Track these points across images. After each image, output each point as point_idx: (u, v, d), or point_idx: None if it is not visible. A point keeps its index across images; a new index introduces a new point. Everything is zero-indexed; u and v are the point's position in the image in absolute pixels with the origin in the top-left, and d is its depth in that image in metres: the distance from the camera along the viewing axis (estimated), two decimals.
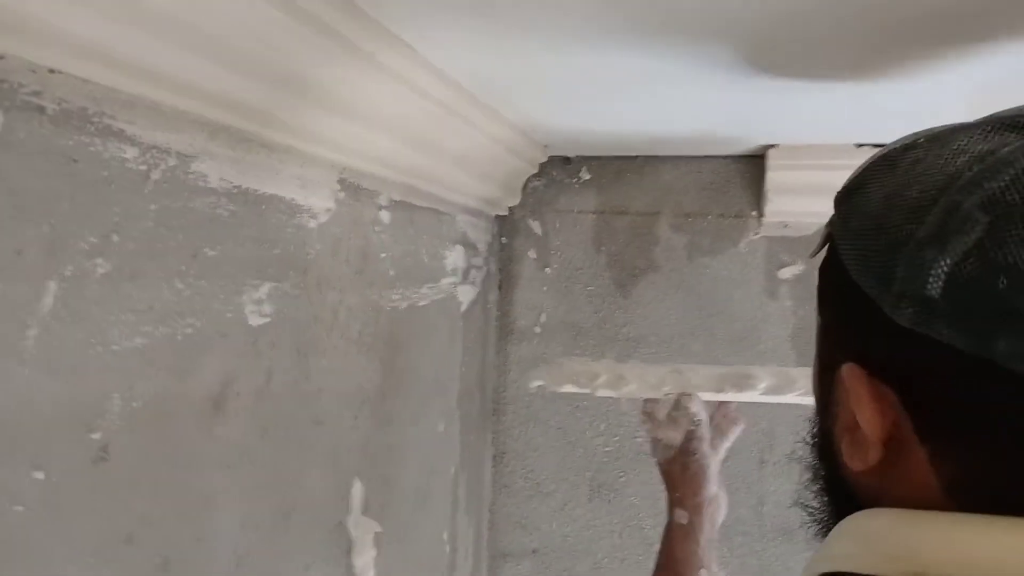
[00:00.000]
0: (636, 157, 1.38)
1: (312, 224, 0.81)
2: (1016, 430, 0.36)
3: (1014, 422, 0.36)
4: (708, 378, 0.97)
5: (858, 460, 0.43)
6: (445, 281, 1.18)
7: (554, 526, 1.40)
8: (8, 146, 0.48)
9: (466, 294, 1.27)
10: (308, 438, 0.83)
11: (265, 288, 0.74)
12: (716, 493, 0.92)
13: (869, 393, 0.41)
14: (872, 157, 0.46)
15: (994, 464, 0.37)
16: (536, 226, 1.43)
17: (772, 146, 1.24)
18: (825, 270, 0.48)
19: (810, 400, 0.52)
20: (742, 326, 1.33)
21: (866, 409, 0.41)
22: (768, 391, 0.96)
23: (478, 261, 1.32)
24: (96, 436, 0.55)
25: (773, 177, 1.26)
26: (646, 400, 0.97)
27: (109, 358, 0.56)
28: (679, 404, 0.94)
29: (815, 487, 0.50)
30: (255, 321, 0.73)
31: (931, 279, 0.36)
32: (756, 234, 1.34)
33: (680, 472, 0.93)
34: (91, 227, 0.54)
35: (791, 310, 1.32)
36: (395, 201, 1.00)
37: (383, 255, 0.98)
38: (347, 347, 0.90)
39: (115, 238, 0.56)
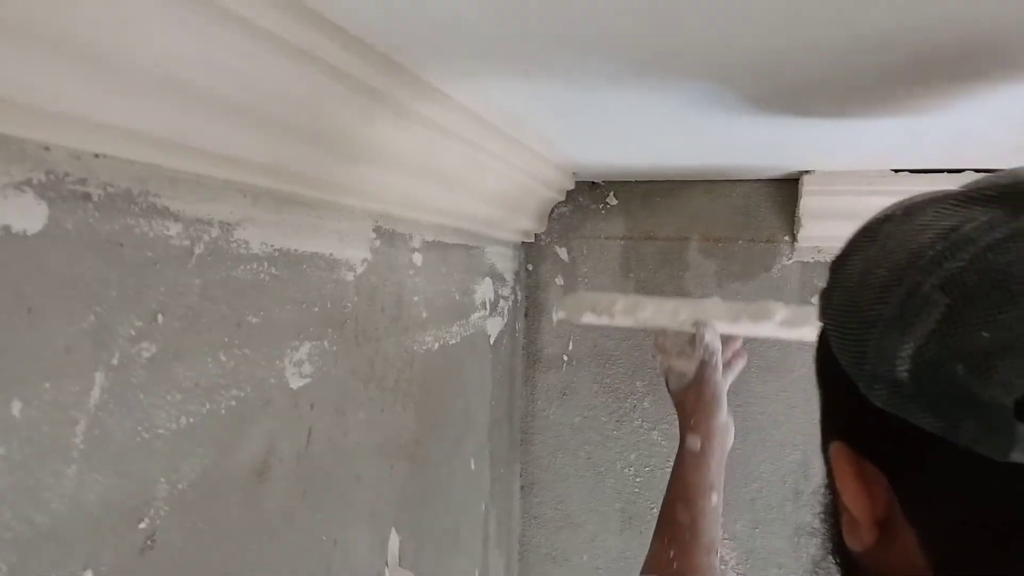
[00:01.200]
0: (664, 181, 1.36)
1: (350, 277, 0.80)
2: (999, 515, 0.35)
3: (996, 506, 0.35)
4: (724, 309, 0.99)
5: (855, 540, 0.42)
6: (475, 316, 1.16)
7: (585, 558, 1.38)
8: (55, 239, 0.46)
9: (494, 326, 1.25)
10: (347, 495, 0.81)
11: (305, 348, 0.72)
12: (727, 420, 0.96)
13: (854, 473, 0.41)
14: (858, 228, 0.46)
15: (979, 550, 0.36)
16: (563, 253, 1.40)
17: (807, 172, 1.21)
18: (817, 344, 0.48)
19: None
20: (775, 353, 1.31)
21: (849, 489, 0.41)
22: (784, 324, 0.97)
23: (506, 291, 1.30)
24: (143, 525, 0.54)
25: (808, 203, 1.23)
26: (657, 334, 1.02)
27: (156, 443, 0.54)
28: (695, 334, 0.98)
29: (832, 559, 0.49)
30: (296, 383, 0.71)
31: (898, 361, 0.36)
32: (789, 259, 1.31)
33: (695, 400, 0.96)
34: (137, 311, 0.52)
35: None
36: (427, 242, 0.98)
37: (416, 298, 0.96)
38: (383, 397, 0.88)
39: (160, 319, 0.54)
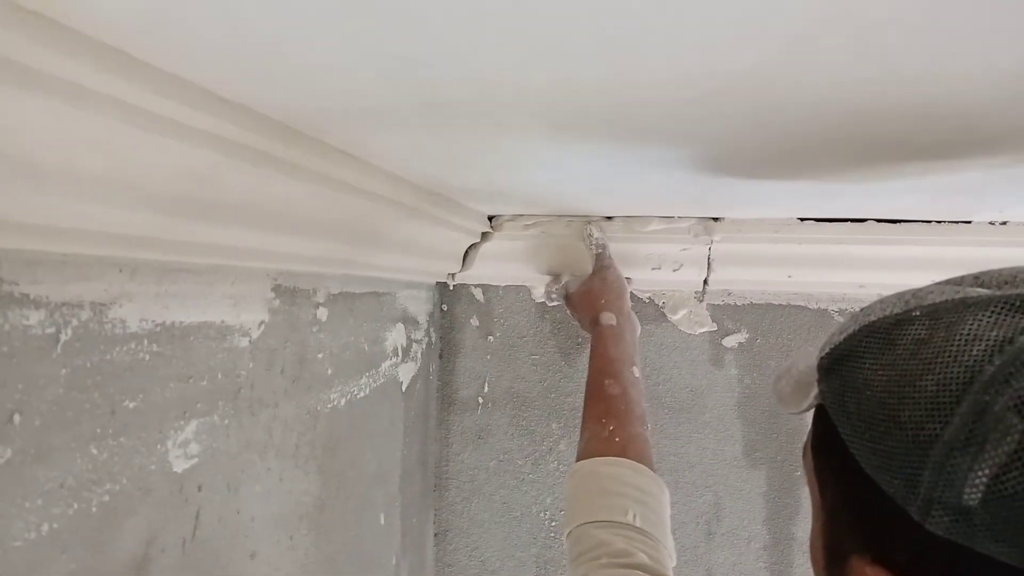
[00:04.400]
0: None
1: (244, 343, 0.75)
2: None
3: None
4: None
5: None
6: (385, 364, 1.12)
7: None
8: None
9: (407, 372, 1.22)
10: (242, 574, 0.76)
11: (192, 427, 0.67)
12: (631, 310, 1.08)
13: None
14: (855, 323, 0.44)
15: None
16: (478, 293, 1.38)
17: (717, 219, 1.22)
18: (822, 448, 0.46)
19: None
20: (687, 395, 1.31)
21: None
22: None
23: (419, 335, 1.27)
24: None
25: (717, 248, 1.25)
26: (546, 288, 1.29)
27: (13, 556, 0.49)
28: (584, 233, 1.17)
29: None
30: (181, 466, 0.66)
31: (968, 489, 0.34)
32: (701, 301, 1.33)
33: (600, 284, 1.09)
34: None
35: (736, 378, 1.31)
36: (333, 295, 0.94)
37: (320, 355, 0.91)
38: (282, 466, 0.83)
39: (17, 419, 0.49)
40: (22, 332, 0.49)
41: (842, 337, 0.44)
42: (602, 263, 1.14)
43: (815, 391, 0.46)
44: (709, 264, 1.24)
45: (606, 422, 0.85)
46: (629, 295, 1.11)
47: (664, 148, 0.70)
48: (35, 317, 0.50)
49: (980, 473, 0.34)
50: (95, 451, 0.56)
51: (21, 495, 0.49)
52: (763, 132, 0.60)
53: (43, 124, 0.42)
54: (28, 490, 0.50)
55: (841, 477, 0.43)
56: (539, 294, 1.35)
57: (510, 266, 1.31)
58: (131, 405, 0.59)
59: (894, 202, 1.02)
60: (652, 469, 0.81)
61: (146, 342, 0.61)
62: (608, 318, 1.03)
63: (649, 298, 1.31)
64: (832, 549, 0.45)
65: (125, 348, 0.59)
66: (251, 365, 0.76)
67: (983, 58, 0.41)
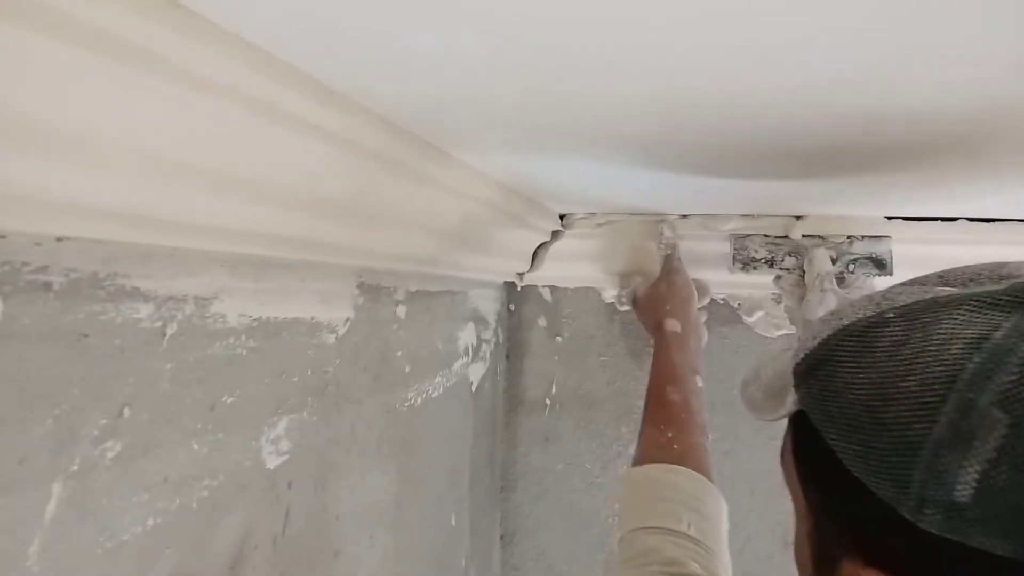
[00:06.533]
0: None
1: (331, 340, 0.74)
2: None
3: None
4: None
5: None
6: (457, 364, 1.11)
7: None
8: (11, 336, 0.40)
9: (476, 372, 1.21)
10: (327, 574, 0.75)
11: (283, 423, 0.67)
12: (700, 315, 1.04)
13: None
14: (827, 328, 0.44)
15: None
16: (546, 292, 1.36)
17: (800, 217, 1.18)
18: (804, 453, 0.45)
19: None
20: None
21: None
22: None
23: (488, 335, 1.26)
24: None
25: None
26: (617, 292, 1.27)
27: (121, 551, 0.49)
28: (656, 232, 1.15)
29: None
30: (273, 462, 0.65)
31: (959, 485, 0.34)
32: (778, 303, 1.29)
33: (666, 288, 1.06)
34: (102, 407, 0.47)
35: None
36: (411, 292, 0.93)
37: (399, 353, 0.91)
38: (364, 463, 0.82)
39: (127, 412, 0.49)
40: (133, 326, 0.49)
41: (816, 342, 0.43)
42: (670, 265, 1.12)
43: (791, 397, 0.45)
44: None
45: (665, 428, 0.84)
46: (697, 302, 1.07)
47: (758, 159, 0.68)
48: (145, 310, 0.50)
49: (970, 469, 0.34)
50: (196, 446, 0.55)
51: (130, 489, 0.49)
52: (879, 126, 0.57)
53: (168, 117, 0.42)
54: (136, 484, 0.50)
55: (827, 482, 0.43)
56: (609, 295, 1.33)
57: (580, 266, 1.29)
58: (229, 400, 0.59)
59: (986, 200, 0.98)
60: (711, 480, 0.79)
61: (244, 337, 0.61)
62: (673, 324, 1.00)
63: (724, 299, 1.28)
64: (821, 555, 0.44)
65: (224, 343, 0.58)
66: (337, 362, 0.76)
67: None
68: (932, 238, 1.11)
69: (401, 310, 0.91)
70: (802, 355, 0.44)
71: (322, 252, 0.69)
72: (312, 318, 0.71)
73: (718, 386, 1.28)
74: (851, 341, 0.41)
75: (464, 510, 1.18)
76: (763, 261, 1.16)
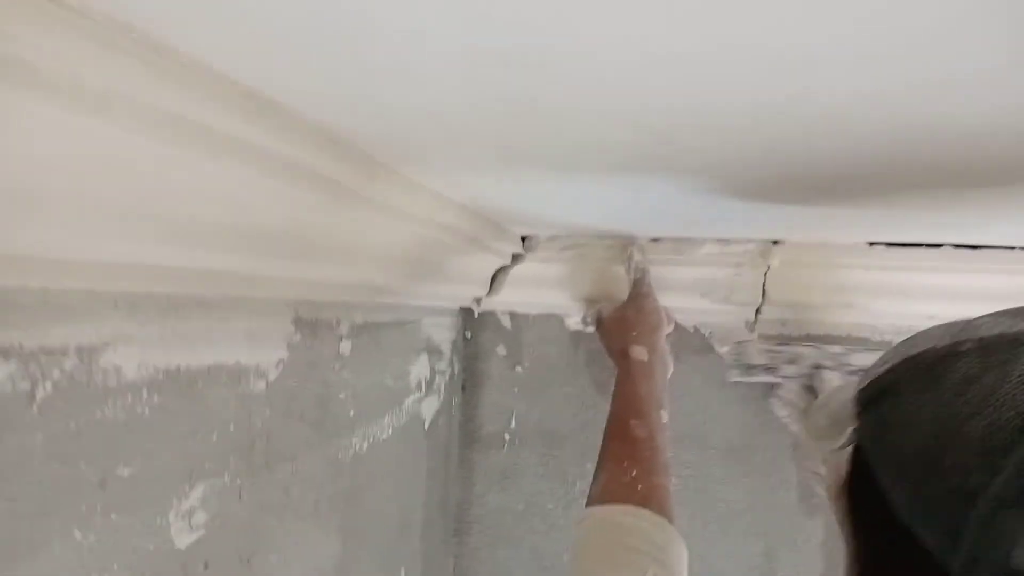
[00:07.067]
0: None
1: (260, 386, 0.63)
2: None
3: None
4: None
5: None
6: (409, 400, 1.01)
7: None
8: None
9: (430, 407, 1.10)
10: None
11: (198, 492, 0.55)
12: (666, 347, 0.97)
13: None
14: (897, 355, 0.41)
15: None
16: (506, 319, 1.26)
17: (776, 242, 1.11)
18: (855, 491, 0.43)
19: None
20: (737, 434, 1.20)
21: None
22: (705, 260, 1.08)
23: (442, 365, 1.15)
24: None
25: (775, 273, 1.13)
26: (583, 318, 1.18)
27: None
28: (625, 256, 1.07)
29: None
30: (183, 541, 0.54)
31: (1018, 551, 0.30)
32: (752, 332, 1.21)
33: (634, 313, 0.99)
34: None
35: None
36: (357, 325, 0.83)
37: (342, 395, 0.80)
38: (301, 528, 0.71)
39: None
40: None
41: (883, 369, 0.41)
42: (639, 290, 1.05)
43: (851, 427, 0.43)
44: (764, 291, 1.13)
45: (628, 466, 0.76)
46: (664, 331, 1.01)
47: (724, 178, 0.59)
48: (4, 370, 0.39)
49: None
50: (79, 535, 0.44)
51: None
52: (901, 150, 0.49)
53: (45, 129, 0.31)
54: None
55: (875, 524, 0.40)
56: (573, 321, 1.24)
57: (542, 291, 1.20)
58: (126, 473, 0.48)
59: (977, 228, 0.92)
60: (673, 525, 0.72)
61: (146, 393, 0.49)
62: (639, 352, 0.93)
63: (695, 328, 1.20)
64: None
65: (120, 403, 0.47)
66: (268, 412, 0.65)
67: None
68: (917, 266, 1.05)
69: (345, 346, 0.80)
70: (867, 381, 0.42)
71: (248, 286, 0.59)
72: (236, 363, 0.60)
73: (686, 420, 1.20)
74: (919, 372, 0.38)
75: (416, 563, 1.07)
76: (761, 368, 1.11)
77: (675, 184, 0.66)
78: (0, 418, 0.39)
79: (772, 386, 1.11)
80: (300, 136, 0.46)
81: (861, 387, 0.43)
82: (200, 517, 0.56)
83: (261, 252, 0.54)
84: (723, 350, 1.17)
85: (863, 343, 1.11)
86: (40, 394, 0.41)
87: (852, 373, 1.05)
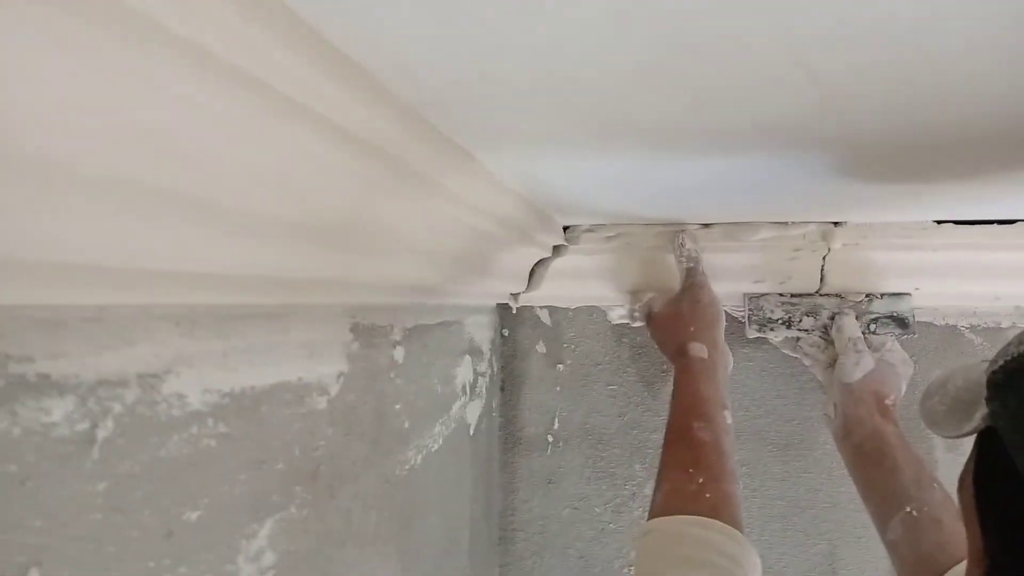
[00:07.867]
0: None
1: (323, 404, 0.57)
2: None
3: None
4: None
5: None
6: (456, 406, 0.94)
7: None
8: None
9: (474, 412, 1.03)
10: None
11: (266, 529, 0.49)
12: (725, 343, 0.91)
13: None
14: None
15: None
16: (545, 315, 1.20)
17: (838, 223, 1.05)
18: (988, 481, 0.40)
19: None
20: (794, 428, 1.14)
21: None
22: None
23: (483, 367, 1.09)
24: None
25: (834, 257, 1.07)
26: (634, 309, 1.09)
27: None
28: (675, 244, 0.99)
29: None
30: None
31: None
32: None
33: (690, 306, 0.92)
34: None
35: None
36: (408, 329, 0.76)
37: (398, 406, 0.73)
38: (360, 552, 0.65)
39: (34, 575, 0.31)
40: (41, 439, 0.31)
41: (1021, 348, 0.38)
42: (693, 280, 0.97)
43: (981, 411, 0.40)
44: (822, 275, 1.06)
45: (694, 473, 0.71)
46: (723, 324, 0.94)
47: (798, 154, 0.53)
48: (60, 410, 0.32)
49: None
50: None
51: None
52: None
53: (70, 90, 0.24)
54: None
55: (1011, 518, 0.38)
56: (616, 315, 1.17)
57: (584, 283, 1.13)
58: (193, 517, 0.41)
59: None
60: (743, 534, 0.66)
61: (211, 422, 0.42)
62: (698, 349, 0.87)
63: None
64: None
65: (184, 435, 0.40)
66: (330, 432, 0.58)
67: None
68: (987, 244, 0.99)
69: (399, 352, 0.73)
70: (1002, 361, 0.39)
71: (307, 291, 0.52)
72: (299, 379, 0.53)
73: (743, 415, 1.13)
74: None
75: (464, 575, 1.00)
76: (780, 322, 1.05)
77: (793, 161, 0.59)
78: (58, 466, 0.32)
79: (794, 340, 1.07)
80: (392, 112, 0.40)
81: (994, 368, 0.39)
82: (268, 558, 0.49)
83: (315, 243, 0.47)
84: (739, 311, 1.12)
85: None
86: (101, 434, 0.34)
87: (874, 321, 1.02)
